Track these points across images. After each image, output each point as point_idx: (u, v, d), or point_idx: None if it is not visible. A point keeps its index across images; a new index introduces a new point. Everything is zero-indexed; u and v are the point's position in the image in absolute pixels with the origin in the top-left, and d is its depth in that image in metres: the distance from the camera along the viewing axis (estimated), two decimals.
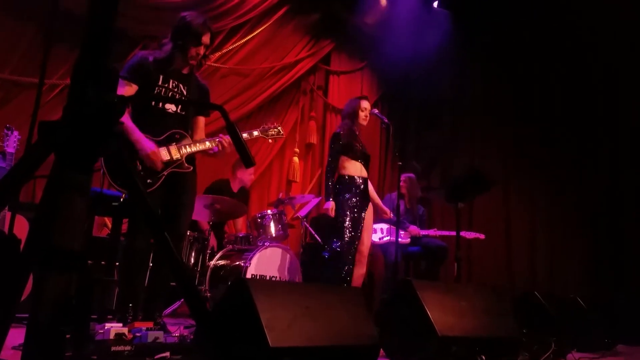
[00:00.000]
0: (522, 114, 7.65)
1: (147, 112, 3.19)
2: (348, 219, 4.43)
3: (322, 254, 4.97)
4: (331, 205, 4.50)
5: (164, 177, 3.15)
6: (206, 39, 3.28)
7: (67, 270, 1.26)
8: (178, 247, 3.56)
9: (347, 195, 4.48)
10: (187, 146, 3.25)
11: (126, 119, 3.06)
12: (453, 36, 7.66)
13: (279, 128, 3.75)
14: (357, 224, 4.47)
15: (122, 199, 3.33)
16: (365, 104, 4.71)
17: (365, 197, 4.59)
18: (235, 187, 5.75)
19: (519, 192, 7.54)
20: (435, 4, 7.95)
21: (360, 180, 4.56)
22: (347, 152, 4.58)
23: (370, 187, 4.84)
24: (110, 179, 2.90)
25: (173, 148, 3.20)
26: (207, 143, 3.31)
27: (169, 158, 3.17)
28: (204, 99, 3.49)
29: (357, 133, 4.69)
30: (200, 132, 3.46)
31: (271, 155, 7.04)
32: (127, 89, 3.09)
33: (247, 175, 5.84)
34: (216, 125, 5.66)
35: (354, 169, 4.57)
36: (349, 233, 4.40)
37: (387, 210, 4.97)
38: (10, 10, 4.93)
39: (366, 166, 4.67)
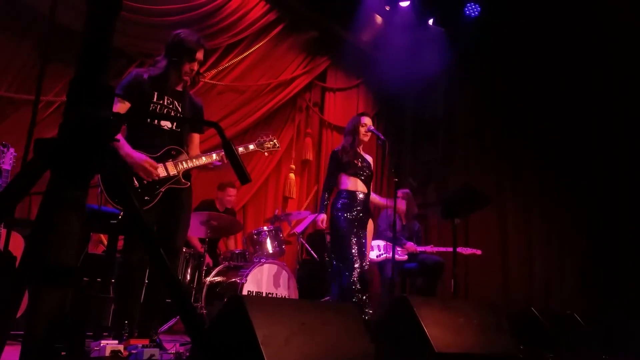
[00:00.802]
0: (517, 129, 7.68)
1: (142, 129, 3.20)
2: (353, 236, 4.39)
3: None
4: (322, 217, 4.52)
5: (161, 193, 3.15)
6: (200, 55, 3.32)
7: (63, 287, 1.26)
8: (174, 264, 3.55)
9: (347, 211, 4.45)
10: (184, 162, 3.26)
11: (119, 137, 3.07)
12: (448, 53, 7.73)
13: (274, 141, 3.74)
14: (361, 240, 4.43)
15: (120, 217, 3.32)
16: (365, 120, 4.69)
17: (366, 213, 4.54)
18: (221, 207, 5.75)
19: (515, 207, 7.53)
20: (431, 22, 8.03)
21: (362, 196, 4.52)
22: (346, 169, 4.58)
23: (375, 196, 4.79)
24: (107, 196, 2.90)
25: (170, 164, 3.21)
26: (204, 158, 3.33)
27: (165, 174, 3.17)
28: (197, 116, 3.50)
29: (359, 149, 4.67)
30: (195, 148, 3.47)
31: (267, 171, 7.04)
32: (120, 106, 3.09)
33: (225, 196, 5.82)
34: (212, 142, 5.68)
35: (353, 184, 4.54)
36: (354, 251, 4.34)
37: (383, 202, 4.89)
38: (6, 28, 4.95)
39: (368, 182, 4.62)
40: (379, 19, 7.81)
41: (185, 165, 3.26)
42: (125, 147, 3.05)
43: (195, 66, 3.32)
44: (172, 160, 3.23)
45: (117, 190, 2.55)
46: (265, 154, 3.77)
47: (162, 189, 3.16)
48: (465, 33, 7.76)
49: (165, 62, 3.26)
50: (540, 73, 7.42)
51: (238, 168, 1.62)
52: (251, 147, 3.63)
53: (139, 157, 3.07)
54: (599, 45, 7.02)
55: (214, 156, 3.35)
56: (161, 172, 3.15)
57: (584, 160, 6.99)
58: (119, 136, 3.05)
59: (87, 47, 1.25)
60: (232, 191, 5.84)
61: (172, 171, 3.21)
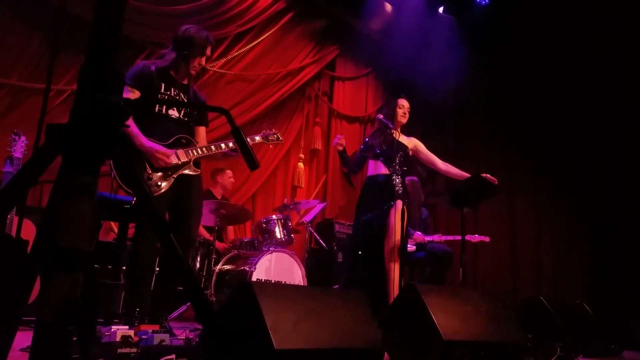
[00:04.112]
0: (528, 118, 7.64)
1: (151, 118, 3.24)
2: (363, 222, 4.41)
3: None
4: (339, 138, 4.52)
5: (173, 180, 3.19)
6: (208, 50, 3.42)
7: (74, 272, 1.28)
8: (187, 253, 3.58)
9: (364, 198, 4.49)
10: (194, 150, 3.30)
11: (131, 125, 3.10)
12: (458, 41, 7.68)
13: (277, 134, 3.82)
14: (375, 223, 4.35)
15: (133, 202, 3.36)
16: (402, 102, 4.70)
17: (385, 194, 4.37)
18: (218, 194, 5.77)
19: (524, 195, 7.51)
20: (441, 10, 7.98)
21: (381, 179, 4.44)
22: (367, 153, 4.59)
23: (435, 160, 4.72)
24: (120, 183, 2.92)
25: (181, 152, 3.26)
26: (213, 147, 3.36)
27: (177, 162, 3.22)
28: (201, 110, 3.57)
29: (395, 134, 4.47)
30: (202, 141, 3.51)
31: (276, 160, 7.05)
32: (130, 95, 3.14)
33: (227, 179, 5.83)
34: (220, 131, 5.70)
35: (375, 167, 4.53)
36: (355, 236, 4.34)
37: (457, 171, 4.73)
38: (18, 17, 4.98)
39: (391, 163, 4.44)
40: (388, 7, 7.77)
41: (196, 153, 3.30)
42: (139, 137, 3.11)
43: (203, 61, 3.43)
44: (182, 148, 3.27)
45: (128, 176, 2.58)
46: (270, 146, 3.88)
47: (174, 175, 3.20)
48: (475, 21, 7.71)
49: (174, 56, 3.33)
50: (552, 62, 7.36)
51: (247, 154, 1.63)
52: (257, 138, 3.72)
53: (152, 146, 3.13)
54: (610, 33, 6.95)
55: (223, 146, 3.39)
56: (173, 159, 3.20)
57: (595, 150, 6.94)
58: (133, 126, 3.09)
59: (97, 33, 1.25)
60: (230, 172, 5.86)
61: (184, 158, 3.26)
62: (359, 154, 4.63)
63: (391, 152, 4.49)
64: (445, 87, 8.19)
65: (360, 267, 4.40)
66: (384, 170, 4.49)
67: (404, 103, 4.69)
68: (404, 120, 4.69)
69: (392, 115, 4.63)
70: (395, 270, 4.20)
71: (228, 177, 5.84)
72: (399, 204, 4.34)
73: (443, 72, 7.94)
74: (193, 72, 3.42)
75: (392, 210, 4.33)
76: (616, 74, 6.95)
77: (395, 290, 4.11)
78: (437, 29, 7.87)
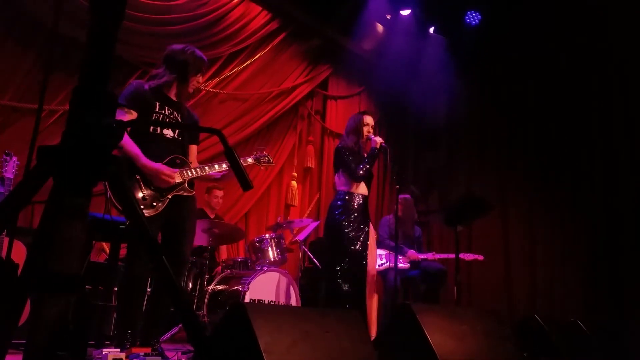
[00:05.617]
0: (519, 136, 7.69)
1: (145, 137, 3.23)
2: (345, 238, 4.28)
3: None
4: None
5: (167, 200, 3.17)
6: (204, 70, 3.48)
7: (65, 294, 1.26)
8: (181, 273, 3.55)
9: (344, 214, 4.33)
10: (189, 171, 3.29)
11: (131, 146, 3.09)
12: (449, 61, 7.76)
13: (268, 157, 3.83)
14: (356, 242, 4.31)
15: (127, 222, 3.34)
16: (367, 119, 4.50)
17: (365, 216, 4.41)
18: (211, 213, 5.76)
19: (518, 213, 7.53)
20: (432, 30, 8.06)
21: (360, 199, 4.40)
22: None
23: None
24: (116, 204, 2.89)
25: (175, 172, 3.24)
26: (207, 168, 3.35)
27: (178, 181, 3.22)
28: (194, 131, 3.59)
29: (362, 149, 4.49)
30: (193, 160, 3.51)
31: (269, 179, 7.05)
32: (127, 117, 3.13)
33: (212, 198, 5.79)
34: (211, 152, 5.69)
35: (354, 185, 4.40)
36: (347, 251, 4.26)
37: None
38: (11, 37, 4.98)
39: (368, 184, 4.49)
40: (380, 27, 7.84)
41: (191, 174, 3.28)
42: (141, 158, 3.09)
43: (200, 79, 3.46)
44: (177, 169, 3.26)
45: (121, 198, 2.56)
46: (262, 168, 3.89)
47: (169, 196, 3.18)
48: (466, 41, 7.79)
49: (168, 75, 3.33)
50: (541, 79, 7.44)
51: (240, 175, 1.62)
52: (249, 160, 3.72)
53: (158, 167, 3.12)
54: (599, 48, 7.03)
55: (217, 167, 3.38)
56: (176, 180, 3.19)
57: (587, 166, 6.99)
58: (134, 146, 3.09)
59: (90, 55, 1.25)
60: (218, 192, 5.81)
61: (178, 179, 3.24)
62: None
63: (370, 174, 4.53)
64: (437, 106, 8.25)
65: (343, 284, 4.30)
66: (364, 191, 4.47)
67: (368, 120, 4.52)
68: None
69: (358, 134, 4.48)
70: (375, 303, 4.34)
71: (214, 196, 5.80)
72: (373, 230, 4.51)
73: (435, 91, 8.01)
74: (190, 91, 3.43)
75: (370, 236, 4.41)
76: (606, 92, 7.02)
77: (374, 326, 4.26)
78: (428, 49, 7.95)
